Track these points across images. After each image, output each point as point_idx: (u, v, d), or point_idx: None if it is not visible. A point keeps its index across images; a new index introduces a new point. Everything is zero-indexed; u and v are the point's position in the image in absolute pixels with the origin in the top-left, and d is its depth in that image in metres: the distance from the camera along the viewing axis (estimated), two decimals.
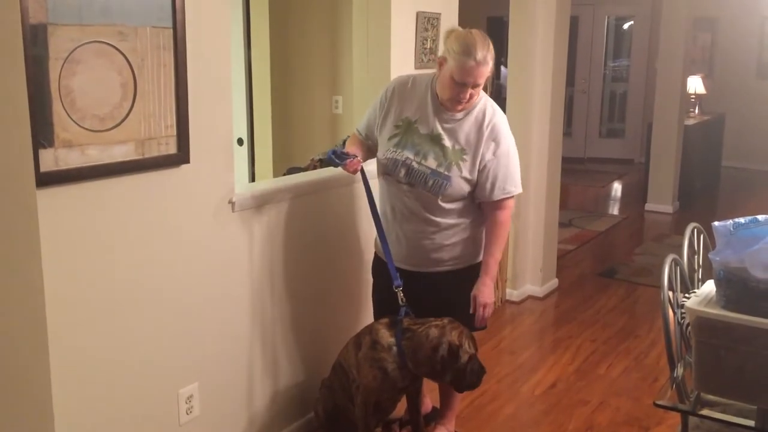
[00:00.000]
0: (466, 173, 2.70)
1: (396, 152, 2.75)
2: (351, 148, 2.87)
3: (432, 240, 2.78)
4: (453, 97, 2.63)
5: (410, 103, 2.78)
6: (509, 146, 2.75)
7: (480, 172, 2.71)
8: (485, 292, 2.77)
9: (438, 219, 2.75)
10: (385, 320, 2.74)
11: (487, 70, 2.59)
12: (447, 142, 2.71)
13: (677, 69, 7.27)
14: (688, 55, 7.48)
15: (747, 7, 9.53)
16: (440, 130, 2.72)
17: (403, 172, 2.74)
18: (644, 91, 10.10)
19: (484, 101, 2.74)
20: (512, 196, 2.77)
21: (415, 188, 2.73)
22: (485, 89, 2.75)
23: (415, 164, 2.72)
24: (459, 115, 2.71)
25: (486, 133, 2.70)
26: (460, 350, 2.59)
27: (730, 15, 9.74)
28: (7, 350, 1.52)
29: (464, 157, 2.70)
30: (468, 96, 2.62)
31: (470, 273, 2.82)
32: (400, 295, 2.72)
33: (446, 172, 2.69)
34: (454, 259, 2.81)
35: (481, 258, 2.84)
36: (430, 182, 2.70)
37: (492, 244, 2.79)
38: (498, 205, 2.76)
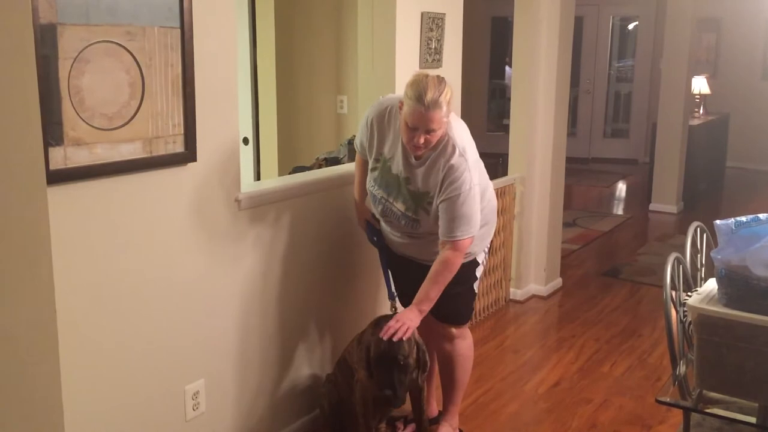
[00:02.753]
0: (433, 215, 2.70)
1: (374, 188, 2.83)
2: (359, 185, 2.98)
3: (416, 247, 2.84)
4: (408, 141, 2.60)
5: (386, 138, 2.77)
6: (461, 191, 2.62)
7: (436, 207, 2.69)
8: (407, 315, 2.67)
9: (421, 238, 2.81)
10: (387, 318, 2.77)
11: (440, 114, 2.52)
12: (412, 186, 2.72)
13: (682, 69, 7.26)
14: (693, 56, 7.48)
15: (752, 8, 9.52)
16: (407, 174, 2.72)
17: (380, 208, 2.84)
18: (649, 92, 10.10)
19: (446, 141, 2.65)
20: (456, 240, 2.65)
21: (392, 221, 2.83)
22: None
23: (388, 204, 2.80)
24: (421, 159, 2.68)
25: (441, 175, 2.64)
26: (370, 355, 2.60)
27: (735, 15, 9.74)
28: (18, 345, 1.54)
29: (428, 200, 2.70)
30: (422, 140, 2.56)
31: (462, 270, 2.80)
32: (394, 306, 2.81)
33: (414, 216, 2.74)
34: None
35: (473, 257, 2.87)
36: (403, 222, 2.78)
37: (432, 281, 2.68)
38: (447, 244, 2.67)
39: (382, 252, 3.00)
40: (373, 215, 2.99)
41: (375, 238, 3.00)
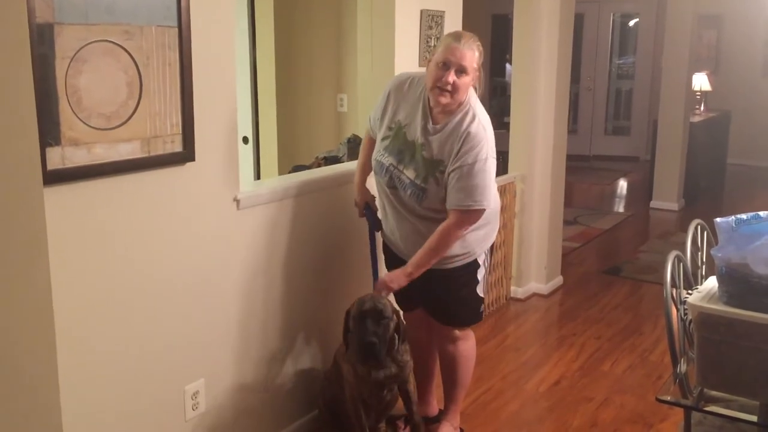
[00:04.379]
0: (442, 185, 2.67)
1: (383, 156, 2.80)
2: (363, 165, 2.99)
3: (420, 240, 2.77)
4: (436, 81, 2.58)
5: (404, 105, 2.78)
6: (477, 158, 2.59)
7: (447, 175, 2.66)
8: (393, 274, 2.77)
9: (423, 221, 2.77)
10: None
11: (473, 57, 2.60)
12: (426, 153, 2.69)
13: (683, 66, 7.25)
14: (694, 52, 7.47)
15: (752, 4, 9.50)
16: (423, 140, 2.70)
17: (387, 177, 2.79)
18: (650, 89, 10.09)
19: (467, 109, 2.67)
20: (467, 210, 2.62)
21: (398, 192, 2.79)
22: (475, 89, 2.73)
23: (396, 172, 2.76)
24: (440, 125, 2.67)
25: (460, 142, 2.62)
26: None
27: (736, 12, 9.72)
28: (15, 347, 1.53)
29: (441, 168, 2.66)
30: (451, 79, 2.56)
31: (461, 272, 2.83)
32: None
33: (423, 184, 2.69)
34: (444, 259, 2.77)
35: (473, 258, 2.85)
36: (409, 191, 2.74)
37: (426, 249, 2.68)
38: (453, 213, 2.64)
39: (373, 232, 3.03)
40: (374, 202, 2.99)
41: (368, 217, 3.03)
